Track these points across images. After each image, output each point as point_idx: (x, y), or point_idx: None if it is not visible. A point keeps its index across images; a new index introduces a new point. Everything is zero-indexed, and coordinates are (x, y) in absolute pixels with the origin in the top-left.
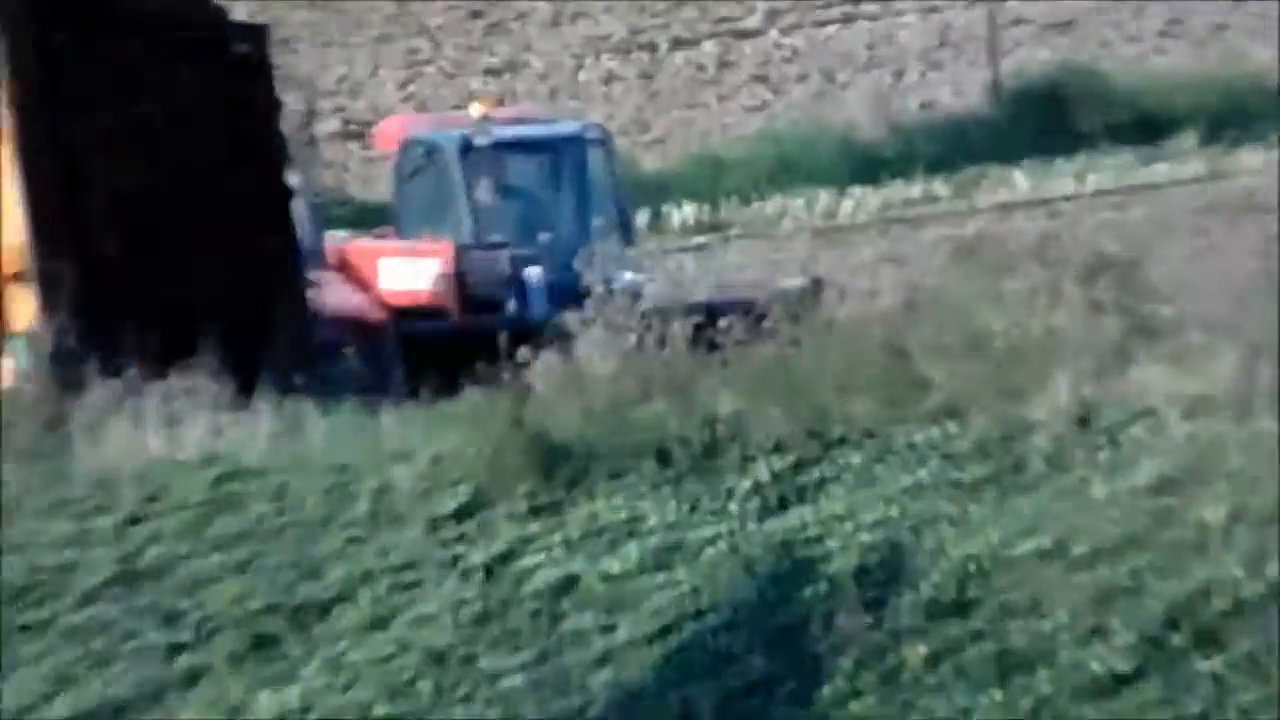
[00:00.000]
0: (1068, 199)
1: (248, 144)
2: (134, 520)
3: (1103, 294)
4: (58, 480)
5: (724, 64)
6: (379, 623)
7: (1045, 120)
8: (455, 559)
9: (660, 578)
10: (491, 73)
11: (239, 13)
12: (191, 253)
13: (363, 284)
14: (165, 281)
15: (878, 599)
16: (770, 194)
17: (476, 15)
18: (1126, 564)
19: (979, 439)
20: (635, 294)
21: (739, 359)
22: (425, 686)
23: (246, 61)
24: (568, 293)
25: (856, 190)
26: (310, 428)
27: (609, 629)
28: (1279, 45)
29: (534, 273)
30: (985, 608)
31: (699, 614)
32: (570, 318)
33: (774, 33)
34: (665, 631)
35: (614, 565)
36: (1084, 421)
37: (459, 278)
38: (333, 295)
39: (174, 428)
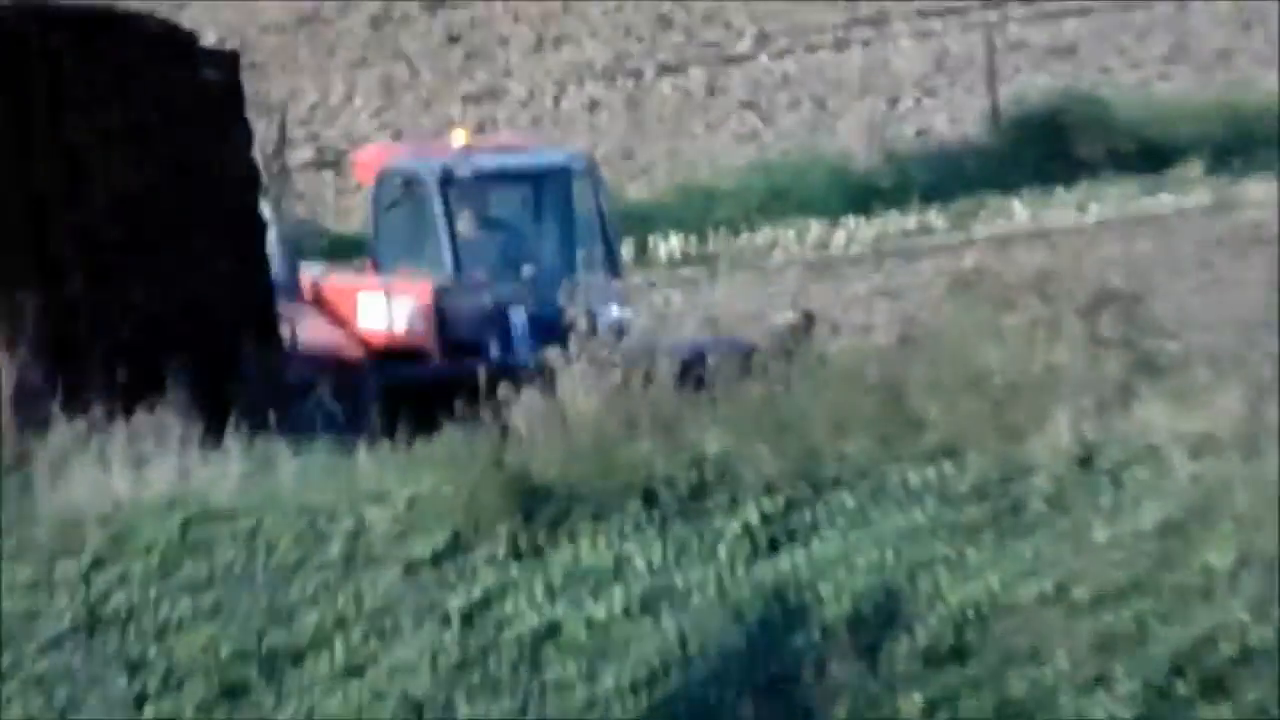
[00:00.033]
0: (1068, 230)
1: (217, 173)
2: (99, 564)
3: (1105, 329)
4: (20, 523)
5: (712, 91)
6: (354, 671)
7: (1045, 148)
8: (433, 604)
9: (646, 624)
10: (470, 100)
11: (208, 37)
12: (159, 286)
13: (339, 320)
14: (132, 316)
15: (872, 646)
16: (760, 225)
17: (455, 40)
18: (1130, 609)
19: (977, 480)
20: (621, 330)
21: (728, 396)
22: None
23: (216, 88)
24: (552, 329)
25: (850, 221)
26: (282, 468)
27: (592, 677)
28: None
29: (518, 314)
30: (984, 655)
31: (686, 662)
32: (553, 353)
33: (764, 58)
34: (651, 680)
35: (598, 611)
36: (1085, 462)
37: (439, 318)
38: (307, 331)
39: (140, 468)
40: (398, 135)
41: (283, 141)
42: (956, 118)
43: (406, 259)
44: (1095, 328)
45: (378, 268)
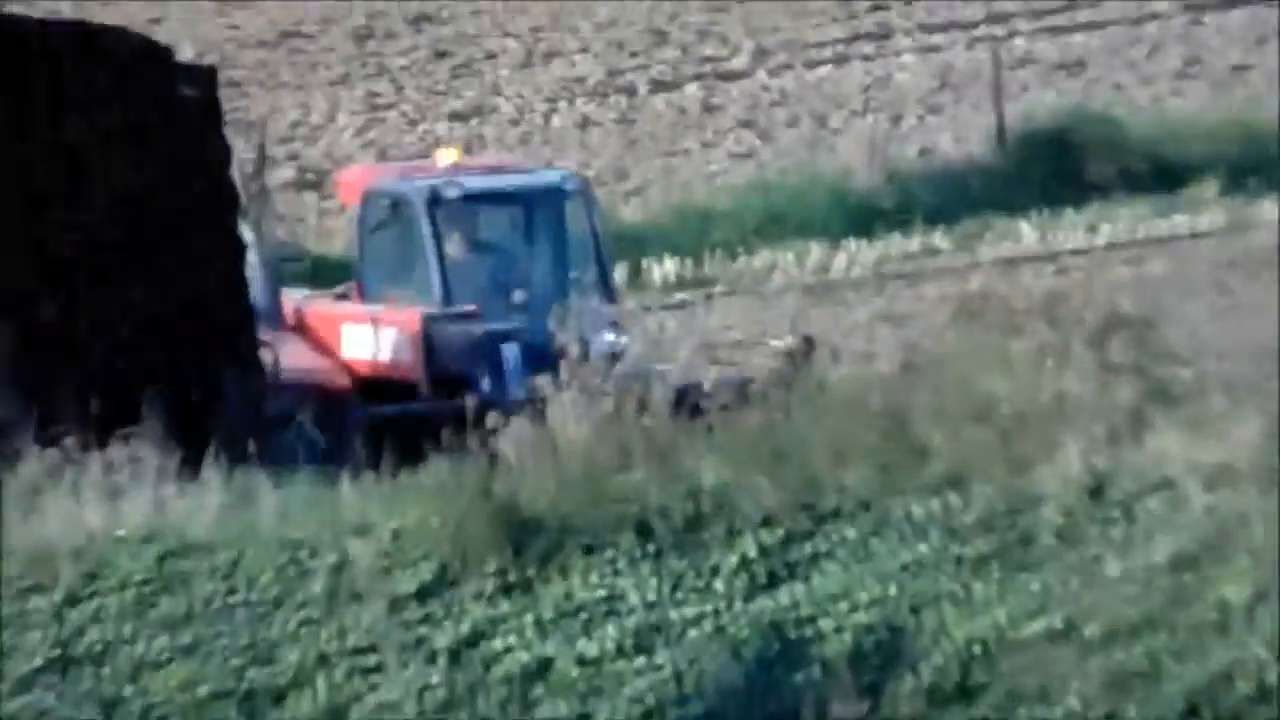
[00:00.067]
0: (1078, 253)
1: (195, 194)
2: (72, 600)
3: (1116, 355)
4: None
5: (708, 108)
6: (337, 711)
7: (1053, 168)
8: (419, 641)
9: (640, 661)
10: (458, 117)
11: (185, 52)
12: (134, 313)
13: (323, 348)
14: (106, 344)
15: (874, 684)
16: (758, 247)
17: (442, 56)
18: (1142, 646)
19: (983, 512)
20: (615, 357)
21: (725, 425)
22: None
23: (194, 105)
24: (544, 358)
25: (851, 243)
26: (262, 500)
27: (585, 717)
28: None
29: (510, 349)
30: (990, 693)
31: (682, 700)
32: (543, 380)
33: (762, 74)
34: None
35: (590, 648)
36: (1096, 493)
37: (427, 349)
38: (290, 359)
39: (115, 500)
40: (382, 154)
41: (262, 161)
42: (961, 136)
43: (393, 283)
44: (1106, 354)
45: (363, 292)
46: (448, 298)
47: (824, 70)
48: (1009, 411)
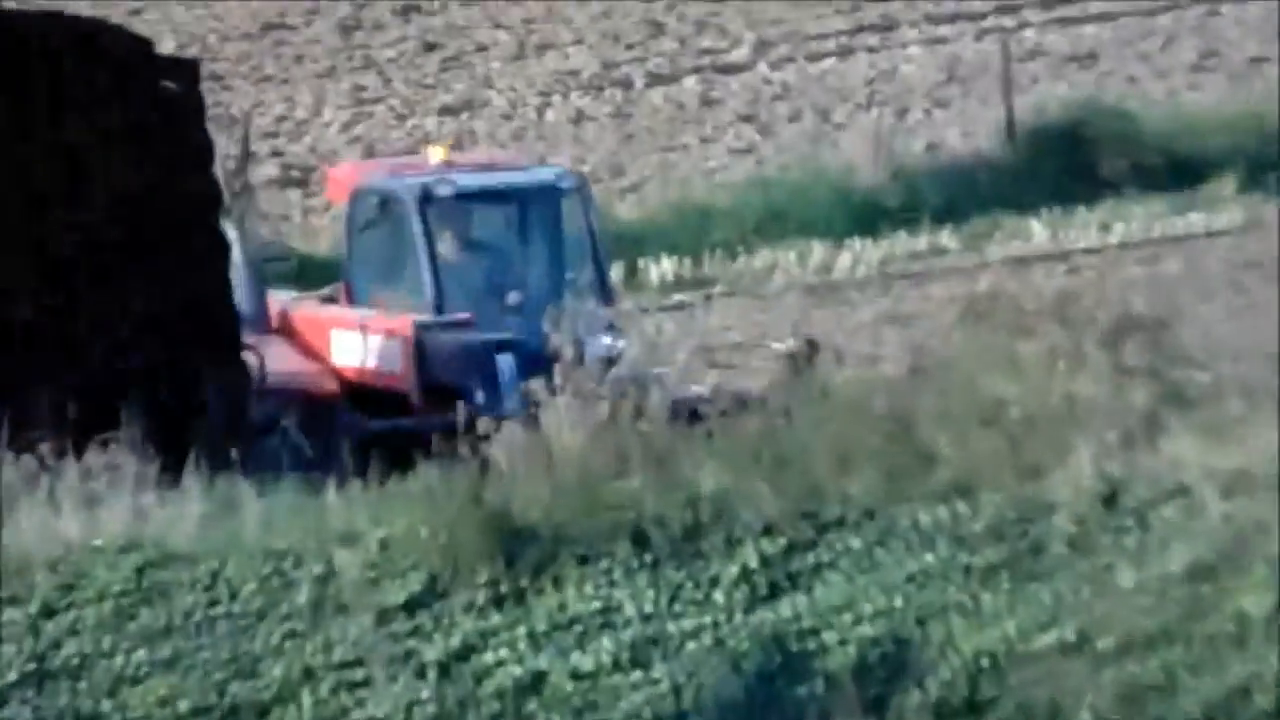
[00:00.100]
0: (1090, 252)
1: (176, 191)
2: (48, 612)
3: (1129, 358)
4: None
5: (707, 102)
6: None
7: (1065, 164)
8: (407, 654)
9: (636, 675)
10: (448, 111)
11: (166, 45)
12: (113, 314)
13: (310, 351)
14: (83, 346)
15: (880, 699)
16: (759, 246)
17: (431, 48)
18: (1157, 659)
19: (992, 520)
20: (611, 360)
21: (725, 430)
22: None
23: (175, 100)
24: (539, 363)
25: (855, 242)
26: (245, 509)
27: None
28: None
29: (506, 360)
30: (1000, 708)
31: (680, 716)
32: (537, 384)
33: (763, 67)
34: None
35: (585, 661)
36: (1109, 500)
37: (419, 358)
38: (276, 363)
39: (93, 509)
40: (369, 150)
41: (245, 157)
42: (969, 131)
43: (383, 284)
44: (1119, 356)
45: (351, 294)
46: (439, 300)
47: (827, 63)
48: (1019, 416)
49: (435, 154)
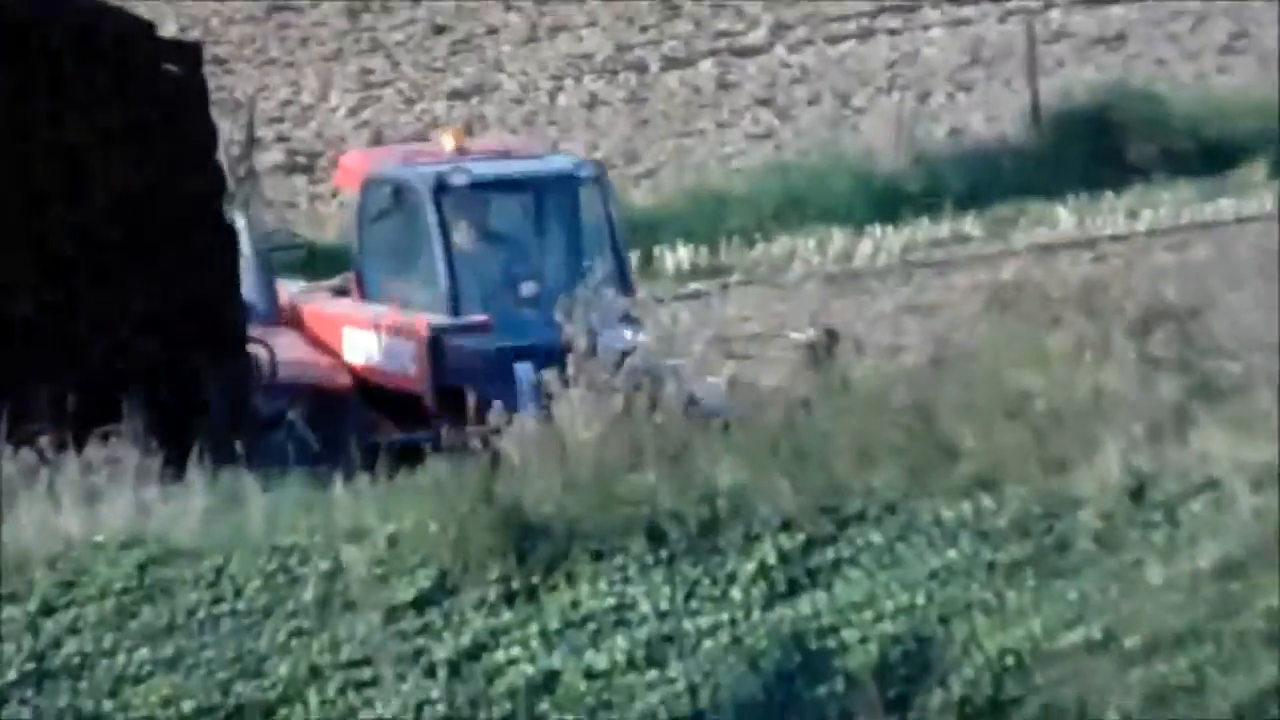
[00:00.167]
0: (1118, 239)
1: (179, 179)
2: (48, 610)
3: (1158, 348)
4: None
5: (724, 86)
6: None
7: (1092, 149)
8: (417, 653)
9: (652, 674)
10: (457, 96)
11: (168, 28)
12: (114, 305)
13: (321, 345)
14: (84, 338)
15: (902, 698)
16: (777, 234)
17: (440, 30)
18: (1186, 658)
19: (1017, 515)
20: (631, 354)
21: (742, 423)
22: None
23: (177, 84)
24: (554, 354)
25: (875, 229)
26: (250, 504)
27: None
28: None
29: (524, 368)
30: (1025, 708)
31: (696, 716)
32: (550, 376)
33: (780, 49)
34: None
35: (599, 660)
36: (1137, 495)
37: (434, 361)
38: (287, 356)
39: (94, 504)
40: (377, 135)
41: (250, 143)
42: (993, 115)
43: (395, 275)
44: (1147, 347)
45: (362, 285)
46: (454, 292)
47: (847, 45)
48: (1044, 408)
49: (448, 140)
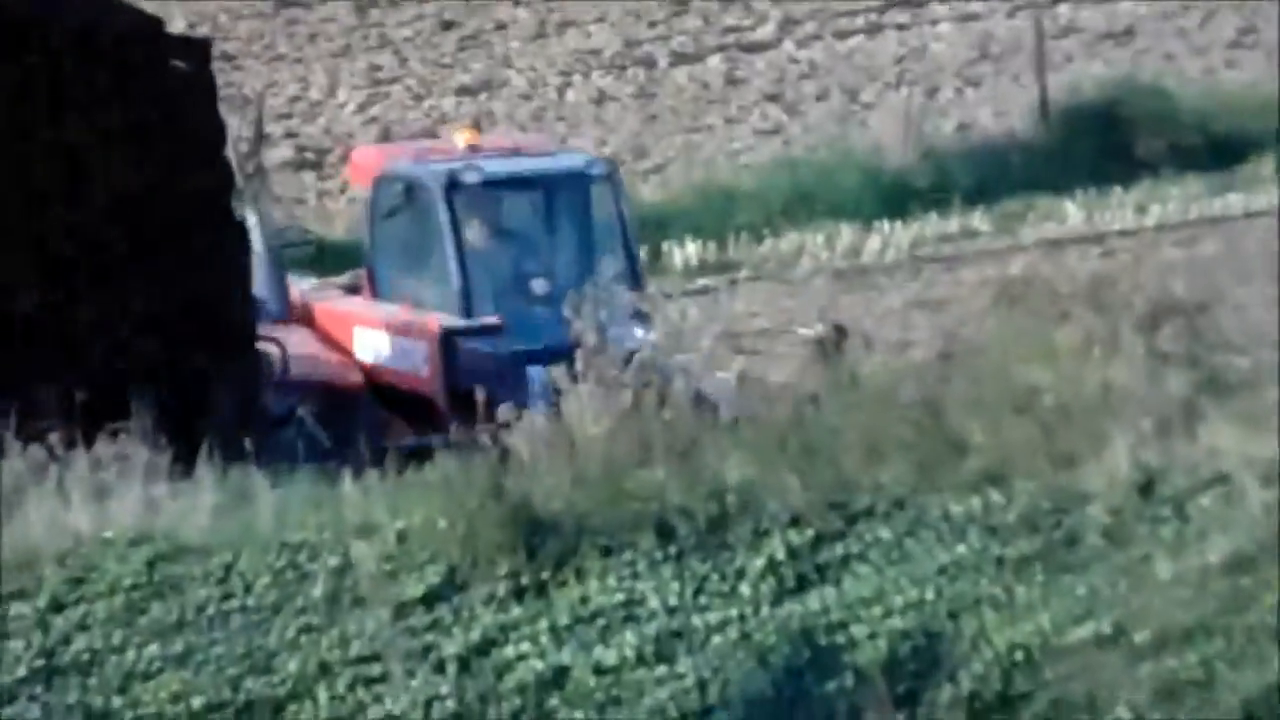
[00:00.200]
0: (1126, 234)
1: (187, 176)
2: (57, 607)
3: (1167, 344)
4: None
5: (732, 81)
6: None
7: (1100, 144)
8: (426, 649)
9: (661, 670)
10: (466, 92)
11: (176, 24)
12: (122, 302)
13: (332, 342)
14: (92, 335)
15: (911, 693)
16: (785, 229)
17: (449, 26)
18: (1196, 653)
19: (1026, 510)
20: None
21: (750, 419)
22: None
23: (185, 80)
24: (568, 353)
25: (884, 225)
26: (259, 500)
27: None
28: None
29: (537, 371)
30: (1035, 703)
31: (705, 711)
32: (558, 372)
33: (789, 45)
34: None
35: (608, 656)
36: (1146, 490)
37: (446, 363)
38: (298, 354)
39: (103, 501)
40: (385, 131)
41: (259, 139)
42: (1002, 110)
43: (407, 273)
44: (1156, 342)
45: (374, 283)
46: (466, 290)
47: (855, 40)
48: (1053, 403)
49: (461, 138)
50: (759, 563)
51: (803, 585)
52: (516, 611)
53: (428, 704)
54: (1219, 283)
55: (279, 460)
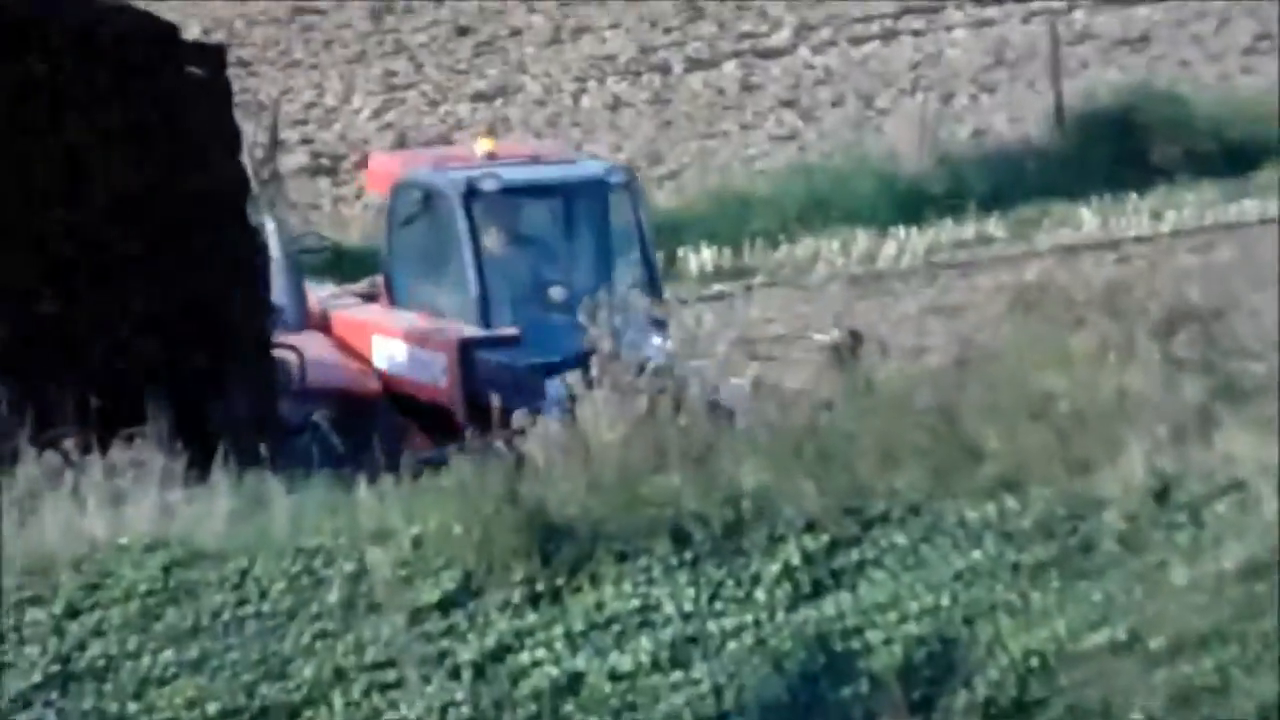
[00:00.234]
0: (1141, 240)
1: (202, 181)
2: (73, 613)
3: (1182, 350)
4: None
5: (747, 87)
6: None
7: (1115, 150)
8: (441, 655)
9: (676, 675)
10: (481, 98)
11: (192, 30)
12: (138, 307)
13: (350, 350)
14: (108, 340)
15: (926, 699)
16: (800, 235)
17: (464, 32)
18: (1211, 659)
19: (1041, 516)
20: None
21: (766, 425)
22: None
23: (201, 86)
24: (586, 364)
25: (899, 231)
26: (275, 506)
27: None
28: None
29: (555, 385)
30: (1050, 709)
31: (720, 717)
32: (573, 378)
33: (804, 51)
34: None
35: (623, 661)
36: (1161, 496)
37: (464, 374)
38: (316, 362)
39: (118, 506)
40: (401, 137)
41: (274, 145)
42: (1017, 116)
43: (425, 281)
44: (1171, 348)
45: (391, 290)
46: (484, 299)
47: (870, 46)
48: (1068, 410)
49: (483, 145)
50: (774, 568)
51: (818, 591)
52: (532, 617)
53: (443, 710)
54: (1234, 289)
55: (295, 467)
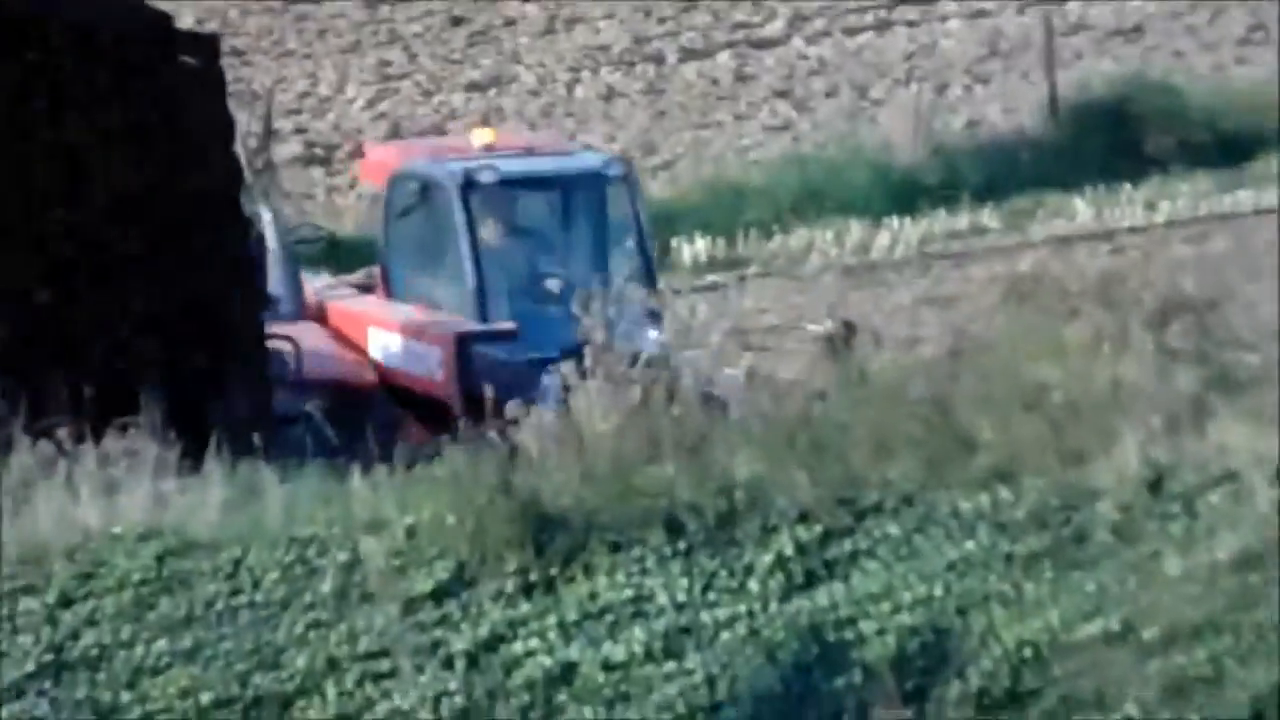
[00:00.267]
0: (1135, 231)
1: (196, 171)
2: (66, 602)
3: (1176, 340)
4: None
5: (741, 77)
6: (347, 719)
7: (1109, 141)
8: (434, 645)
9: (669, 666)
10: (475, 88)
11: (185, 19)
12: (132, 297)
13: (346, 341)
14: (101, 330)
15: (919, 689)
16: (794, 226)
17: (458, 22)
18: (1205, 650)
19: (1035, 507)
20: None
21: (759, 415)
22: None
23: (194, 75)
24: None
25: (893, 221)
26: (268, 495)
27: None
28: None
29: (551, 379)
30: (1043, 699)
31: (714, 707)
32: (567, 368)
33: (798, 42)
34: None
35: (616, 651)
36: (1155, 487)
37: (460, 368)
38: (312, 353)
39: (111, 496)
40: (395, 127)
41: (268, 135)
42: (1011, 107)
43: (421, 272)
44: (1165, 339)
45: (388, 281)
46: (481, 290)
47: (864, 37)
48: (1062, 400)
49: (478, 137)
50: (767, 559)
51: (811, 581)
52: (525, 607)
53: (436, 700)
54: (1228, 279)
55: (289, 457)
